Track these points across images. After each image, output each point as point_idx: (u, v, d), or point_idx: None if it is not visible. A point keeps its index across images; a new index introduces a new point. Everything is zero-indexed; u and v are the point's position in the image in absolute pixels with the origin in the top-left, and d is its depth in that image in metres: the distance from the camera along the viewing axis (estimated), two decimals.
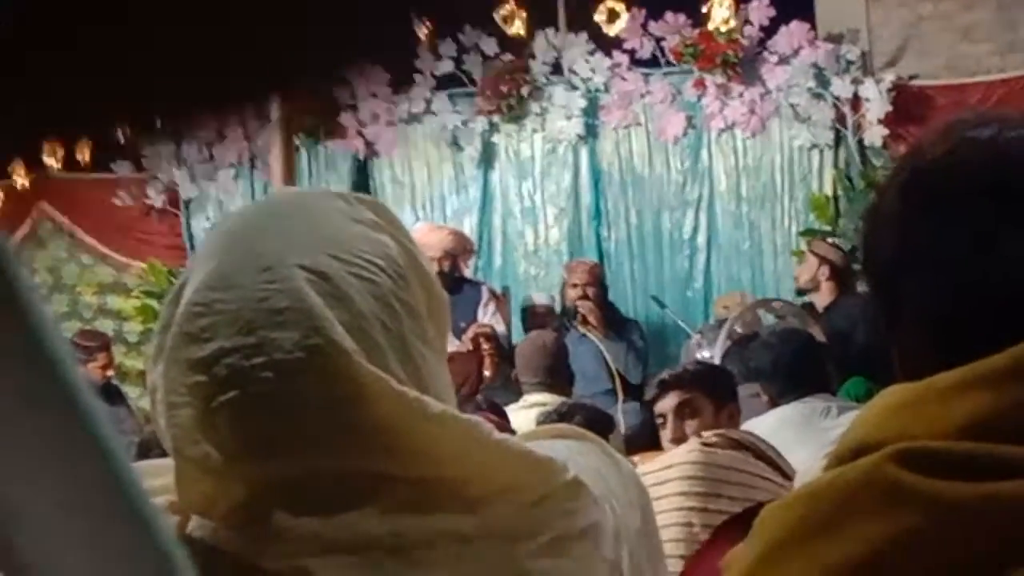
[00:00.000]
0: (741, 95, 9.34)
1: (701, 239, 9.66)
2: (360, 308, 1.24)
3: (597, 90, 9.61)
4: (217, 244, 1.30)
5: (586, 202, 9.80)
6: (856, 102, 9.23)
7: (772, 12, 9.29)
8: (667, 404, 4.37)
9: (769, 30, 9.33)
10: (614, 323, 8.14)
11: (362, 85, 9.85)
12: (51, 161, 8.58)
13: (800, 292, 8.09)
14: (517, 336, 8.07)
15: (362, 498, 1.21)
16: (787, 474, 3.65)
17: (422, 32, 9.61)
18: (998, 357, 1.05)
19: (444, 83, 9.74)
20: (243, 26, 1.14)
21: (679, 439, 4.10)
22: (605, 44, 9.52)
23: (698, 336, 7.64)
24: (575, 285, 8.15)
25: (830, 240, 8.68)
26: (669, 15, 9.40)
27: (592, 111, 9.63)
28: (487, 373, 7.28)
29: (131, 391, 9.32)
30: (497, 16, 9.43)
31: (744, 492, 3.48)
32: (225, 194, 10.21)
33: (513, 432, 3.42)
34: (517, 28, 9.44)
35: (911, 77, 9.31)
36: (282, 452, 1.20)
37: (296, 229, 1.28)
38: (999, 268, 1.12)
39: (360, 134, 9.98)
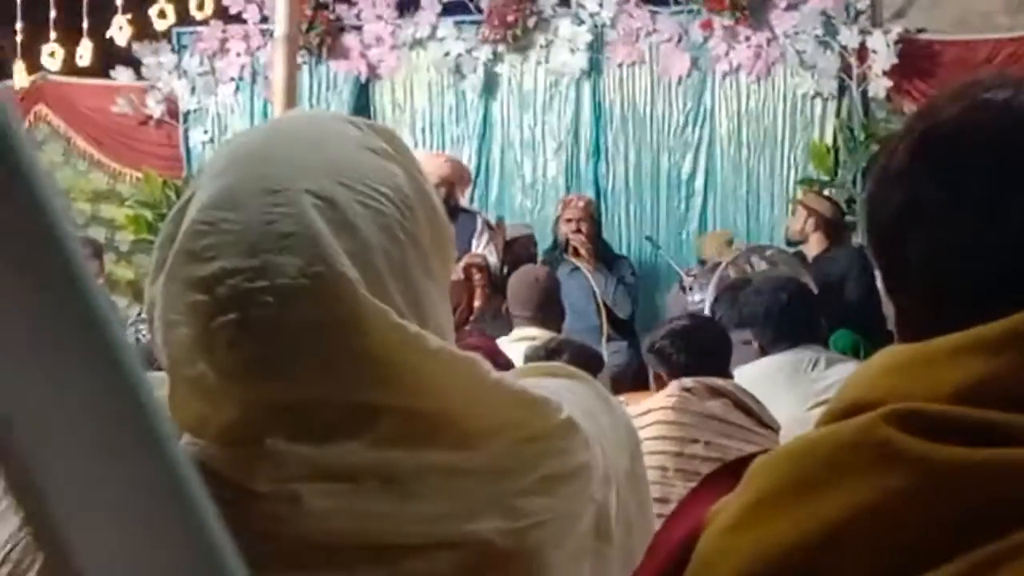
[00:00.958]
0: (748, 39, 9.32)
1: (699, 182, 9.62)
2: (365, 237, 1.23)
3: (603, 25, 9.55)
4: (225, 163, 1.28)
5: (586, 138, 9.74)
6: (862, 52, 9.17)
7: None
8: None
9: None
10: (605, 258, 8.13)
11: (368, 7, 9.81)
12: (50, 63, 8.42)
13: (790, 243, 8.08)
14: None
15: (356, 427, 1.20)
16: (767, 423, 3.68)
17: None
18: (997, 324, 1.04)
19: (450, 9, 9.69)
20: None
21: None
22: None
23: (690, 279, 7.62)
24: (569, 220, 8.15)
25: (824, 191, 8.69)
26: None
27: (597, 46, 9.57)
28: (477, 304, 7.14)
29: (119, 300, 9.29)
30: None
31: (719, 439, 3.53)
32: (224, 108, 10.17)
33: (508, 363, 3.35)
34: None
35: (919, 30, 9.23)
36: (278, 377, 1.19)
37: (306, 153, 1.27)
38: (1005, 234, 1.09)
39: (363, 56, 9.92)
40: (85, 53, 8.07)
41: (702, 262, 8.06)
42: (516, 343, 5.17)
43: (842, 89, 9.19)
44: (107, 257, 9.71)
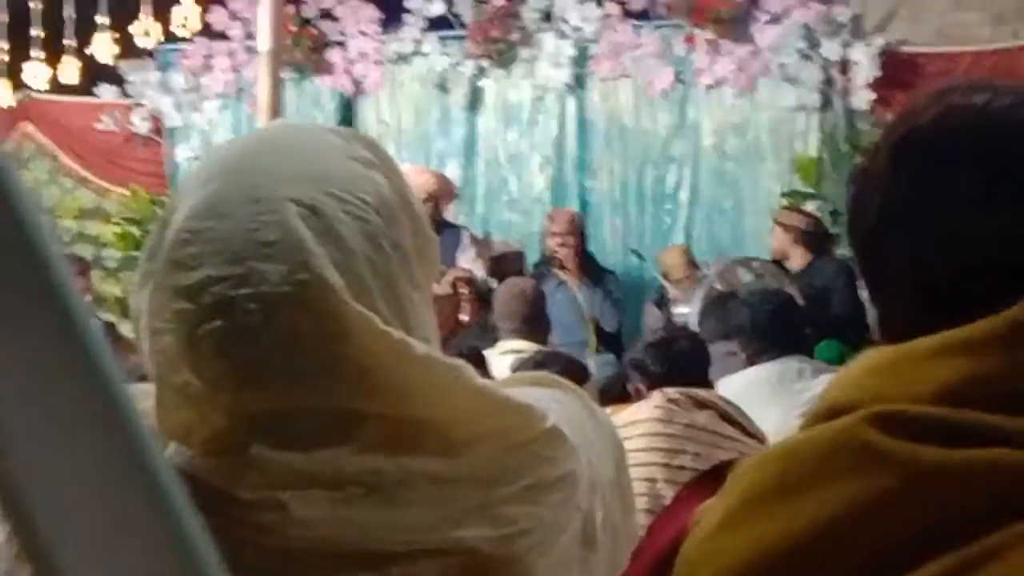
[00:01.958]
0: (731, 52, 9.25)
1: (684, 195, 9.58)
2: (350, 246, 1.23)
3: (587, 40, 9.49)
4: (210, 172, 1.28)
5: (571, 152, 9.72)
6: (845, 65, 9.15)
7: None
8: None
9: None
10: (591, 272, 8.11)
11: (351, 23, 9.75)
12: (35, 81, 8.51)
13: (775, 261, 8.00)
14: None
15: (341, 435, 1.21)
16: (752, 434, 3.67)
17: None
18: (978, 324, 1.04)
19: (434, 25, 9.65)
20: None
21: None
22: None
23: (676, 292, 7.66)
24: (555, 233, 8.12)
25: (808, 203, 8.71)
26: None
27: (581, 61, 9.52)
28: (464, 318, 6.66)
29: (107, 317, 9.20)
30: None
31: (707, 451, 3.51)
32: (209, 125, 10.12)
33: (491, 377, 3.24)
34: None
35: (900, 43, 9.21)
36: (263, 384, 1.19)
37: (290, 163, 1.26)
38: (982, 235, 1.10)
39: (347, 71, 9.88)
40: (69, 70, 8.09)
41: (665, 276, 8.11)
42: (503, 356, 5.17)
43: (825, 102, 9.16)
44: (95, 274, 9.72)
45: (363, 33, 9.76)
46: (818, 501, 1.00)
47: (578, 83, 9.54)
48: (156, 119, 10.21)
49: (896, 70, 9.07)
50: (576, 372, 4.21)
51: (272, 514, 1.19)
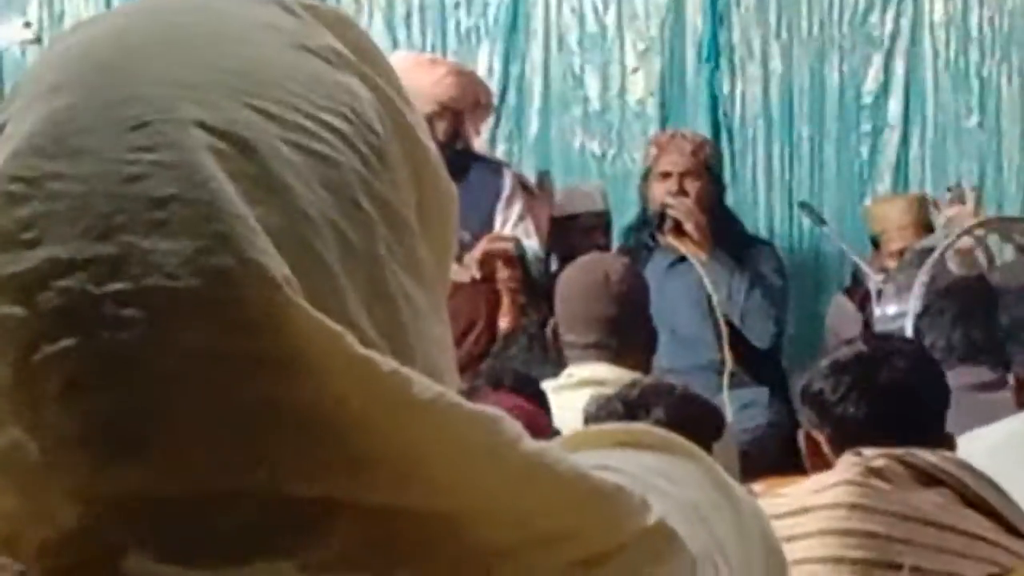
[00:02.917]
0: None
1: (895, 106, 7.66)
2: (302, 206, 0.94)
3: None
4: (58, 75, 1.00)
5: (694, 28, 7.93)
6: None
7: None
8: None
9: None
10: (731, 243, 6.91)
11: None
12: None
13: None
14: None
15: (283, 538, 0.92)
16: (1017, 528, 3.39)
17: None
18: None
19: None
20: None
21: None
22: None
23: (880, 278, 6.50)
24: (667, 174, 6.89)
25: None
26: None
27: None
28: (504, 323, 6.45)
29: None
30: None
31: (936, 562, 3.23)
32: None
33: (555, 431, 3.72)
34: None
35: None
36: (147, 451, 0.92)
37: (196, 58, 0.98)
38: None
39: None
40: None
41: (875, 243, 6.99)
42: (573, 390, 4.63)
43: None
44: None
45: None
46: None
47: None
48: None
49: None
50: (701, 419, 3.81)
51: None
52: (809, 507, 3.23)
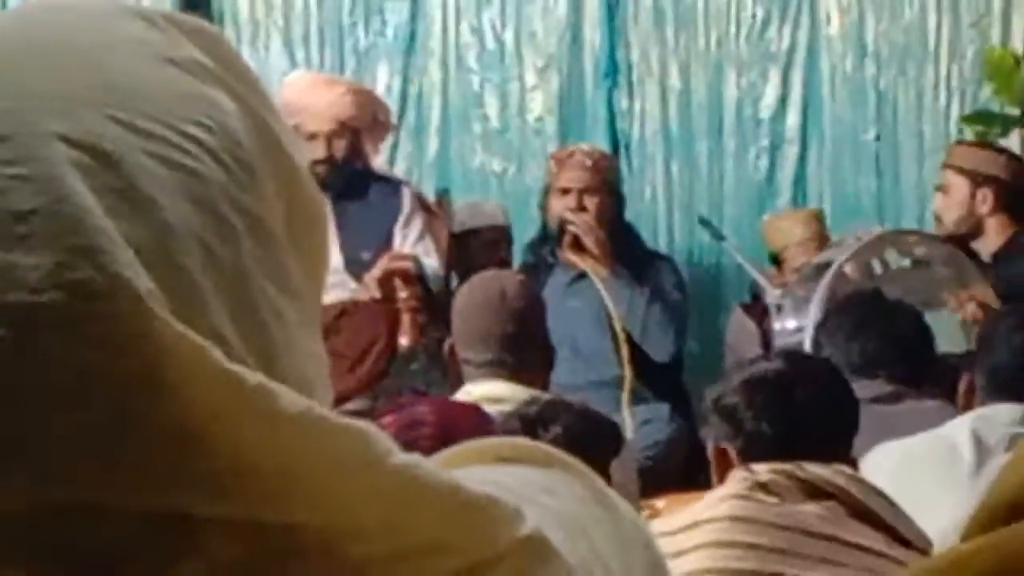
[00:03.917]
0: None
1: (792, 119, 7.80)
2: (166, 219, 0.95)
3: None
4: None
5: (592, 46, 8.05)
6: None
7: None
8: None
9: None
10: (631, 259, 6.98)
11: None
12: None
13: (953, 238, 6.82)
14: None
15: (149, 555, 0.93)
16: (907, 541, 3.45)
17: None
18: None
19: None
20: None
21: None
22: None
23: (778, 292, 6.55)
24: (566, 190, 6.95)
25: (986, 142, 7.35)
26: None
27: None
28: (404, 340, 6.54)
29: None
30: None
31: (818, 571, 3.30)
32: None
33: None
34: None
35: None
36: (14, 465, 0.90)
37: (58, 69, 0.99)
38: None
39: None
40: None
41: (775, 260, 7.11)
42: None
43: None
44: None
45: None
46: None
47: None
48: None
49: None
50: (599, 436, 3.84)
51: None
52: (698, 521, 3.28)
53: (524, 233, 7.30)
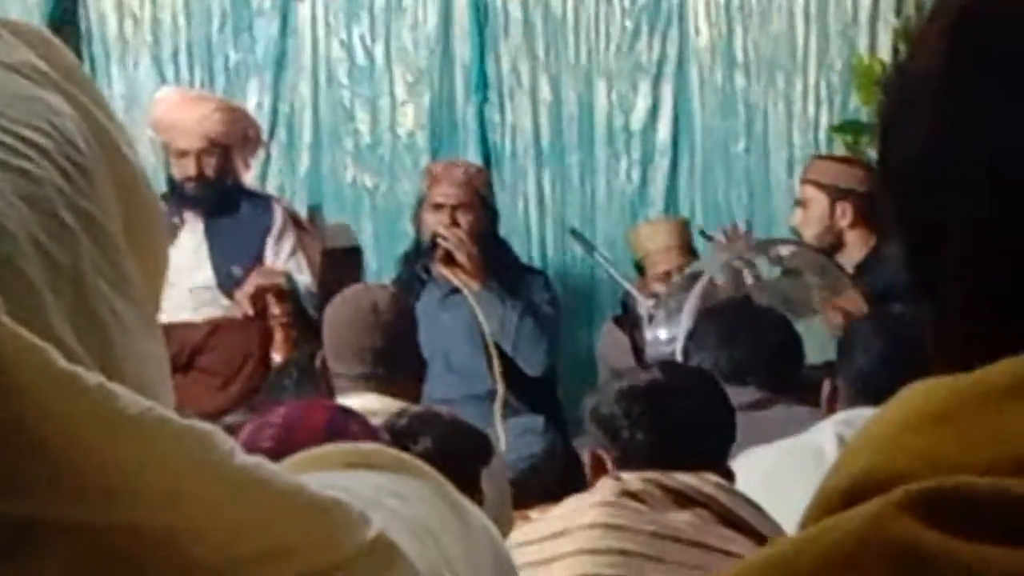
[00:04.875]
0: None
1: (663, 132, 7.79)
2: (1, 221, 0.95)
3: None
4: None
5: (462, 60, 8.07)
6: None
7: None
8: None
9: None
10: (504, 273, 7.08)
11: None
12: None
13: (821, 249, 6.93)
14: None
15: None
16: None
17: None
18: None
19: None
20: None
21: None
22: None
23: (650, 303, 6.63)
24: (439, 205, 7.02)
25: (847, 156, 7.38)
26: None
27: None
28: (277, 357, 6.54)
29: None
30: None
31: None
32: None
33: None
34: None
35: None
36: None
37: None
38: None
39: None
40: None
41: (640, 268, 7.16)
42: None
43: None
44: None
45: None
46: None
47: None
48: None
49: None
50: (468, 448, 3.90)
51: None
52: (567, 529, 3.31)
53: (397, 248, 7.34)
